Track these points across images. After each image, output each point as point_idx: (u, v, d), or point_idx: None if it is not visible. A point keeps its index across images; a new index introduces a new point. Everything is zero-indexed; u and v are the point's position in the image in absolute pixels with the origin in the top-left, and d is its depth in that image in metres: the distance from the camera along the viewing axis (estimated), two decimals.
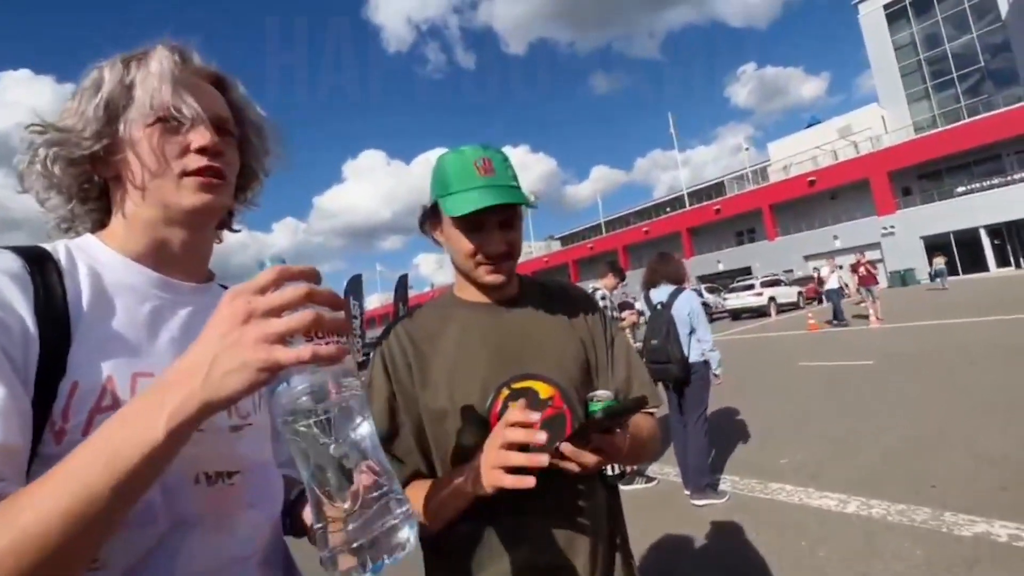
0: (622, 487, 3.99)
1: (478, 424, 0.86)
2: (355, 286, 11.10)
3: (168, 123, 0.63)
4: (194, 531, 0.59)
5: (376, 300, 68.99)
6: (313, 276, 0.48)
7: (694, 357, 3.60)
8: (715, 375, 3.68)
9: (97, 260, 0.63)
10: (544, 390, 0.91)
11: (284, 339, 0.43)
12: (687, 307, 3.64)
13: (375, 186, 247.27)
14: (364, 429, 0.49)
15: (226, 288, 0.75)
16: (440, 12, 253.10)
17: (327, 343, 0.45)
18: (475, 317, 0.96)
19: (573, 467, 0.75)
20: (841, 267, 13.65)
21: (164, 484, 0.56)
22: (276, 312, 0.44)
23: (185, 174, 0.64)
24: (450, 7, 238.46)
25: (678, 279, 3.86)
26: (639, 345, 5.30)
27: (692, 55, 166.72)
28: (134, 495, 0.44)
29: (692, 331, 3.62)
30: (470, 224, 0.88)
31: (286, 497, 0.74)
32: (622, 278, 4.53)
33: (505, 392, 0.89)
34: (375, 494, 0.47)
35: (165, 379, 0.45)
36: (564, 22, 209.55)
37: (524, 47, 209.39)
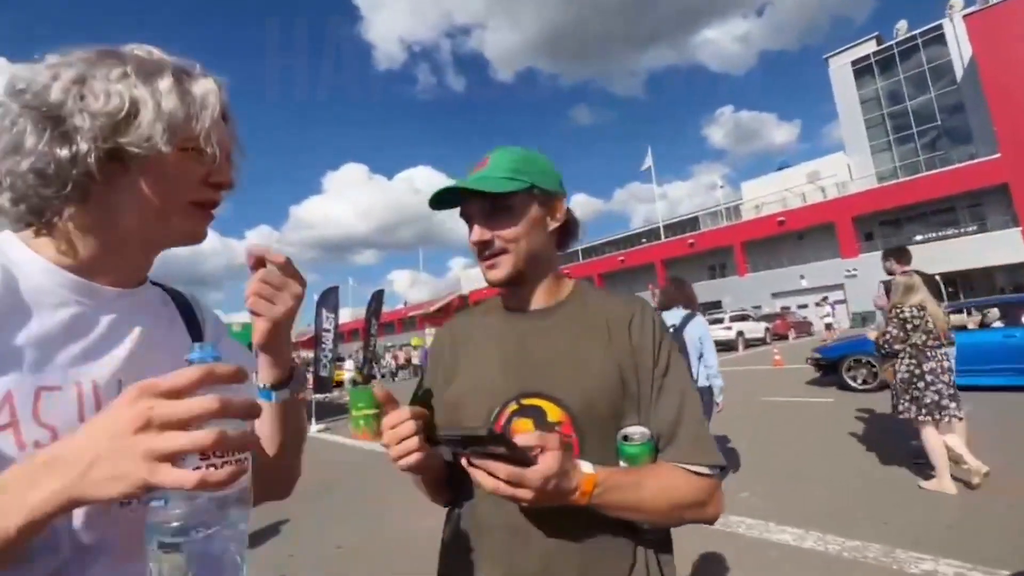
0: None
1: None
2: (329, 298, 10.83)
3: (197, 151, 0.62)
4: (100, 559, 0.55)
5: (347, 315, 67.64)
6: (241, 377, 0.45)
7: (700, 383, 3.65)
8: (716, 403, 3.73)
9: (10, 260, 0.58)
10: (553, 412, 0.82)
11: (175, 457, 0.41)
12: (698, 331, 3.74)
13: (354, 199, 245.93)
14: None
15: (160, 288, 0.75)
16: (433, 35, 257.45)
17: (225, 462, 0.43)
18: (502, 323, 0.93)
19: (482, 483, 0.69)
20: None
21: None
22: (178, 425, 0.41)
23: (196, 204, 0.64)
24: (442, 32, 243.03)
25: (692, 304, 3.97)
26: None
27: (672, 95, 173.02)
28: None
29: (700, 356, 3.70)
30: (465, 218, 0.90)
31: None
32: None
33: (513, 407, 0.83)
34: None
35: (45, 457, 0.42)
36: (551, 55, 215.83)
37: (512, 75, 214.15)
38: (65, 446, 0.43)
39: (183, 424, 0.41)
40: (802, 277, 30.54)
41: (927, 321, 3.70)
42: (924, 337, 3.69)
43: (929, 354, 3.67)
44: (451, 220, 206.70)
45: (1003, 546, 2.74)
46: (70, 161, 0.55)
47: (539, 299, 0.92)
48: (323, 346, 10.32)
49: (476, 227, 0.87)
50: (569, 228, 0.95)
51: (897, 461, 4.34)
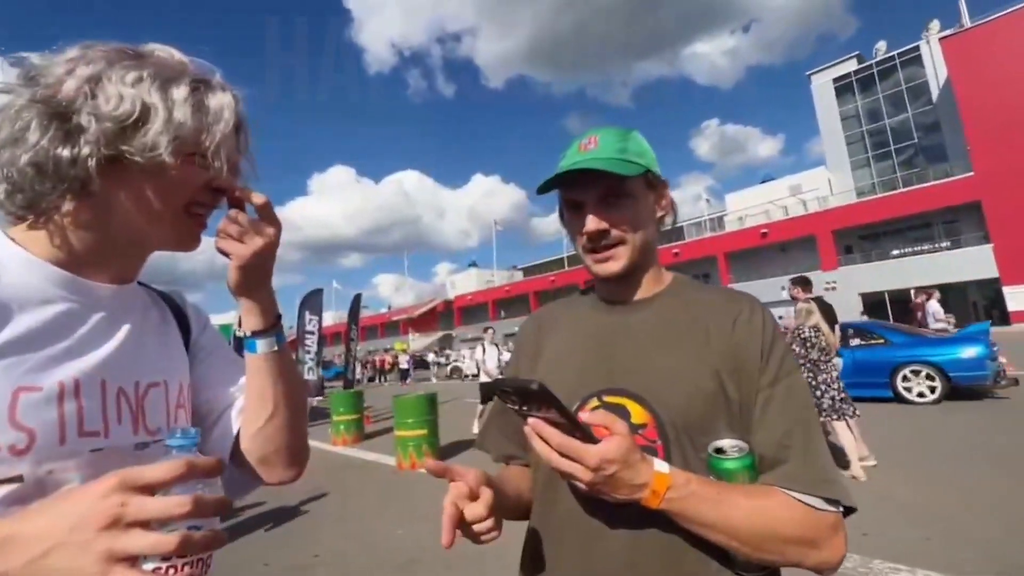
0: None
1: None
2: (313, 300, 10.71)
3: (203, 159, 0.61)
4: None
5: (330, 317, 66.89)
6: (218, 470, 0.45)
7: None
8: None
9: None
10: (638, 414, 0.74)
11: (136, 559, 0.40)
12: None
13: (341, 202, 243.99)
14: None
15: (147, 288, 0.72)
16: (424, 41, 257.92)
17: (185, 563, 0.42)
18: (590, 315, 0.87)
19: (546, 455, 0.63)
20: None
21: None
22: (145, 526, 0.41)
23: (191, 211, 0.62)
24: (434, 38, 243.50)
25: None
26: None
27: (660, 107, 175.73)
28: None
29: None
30: (571, 205, 0.83)
31: None
32: None
33: (594, 403, 0.77)
34: None
35: (2, 534, 0.41)
36: (543, 64, 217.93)
37: (503, 83, 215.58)
38: (24, 527, 0.42)
39: (151, 524, 0.41)
40: (783, 288, 30.93)
41: (821, 340, 4.58)
42: (819, 354, 4.57)
43: (822, 367, 4.56)
44: (438, 223, 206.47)
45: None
46: (70, 162, 0.54)
47: (639, 291, 0.85)
48: (306, 348, 10.20)
49: (591, 216, 0.79)
50: (672, 212, 0.89)
51: (875, 475, 4.41)
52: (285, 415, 0.71)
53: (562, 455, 0.63)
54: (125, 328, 0.63)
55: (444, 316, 55.80)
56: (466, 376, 23.98)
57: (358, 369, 26.72)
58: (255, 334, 0.69)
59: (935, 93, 32.09)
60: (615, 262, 0.80)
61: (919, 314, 11.06)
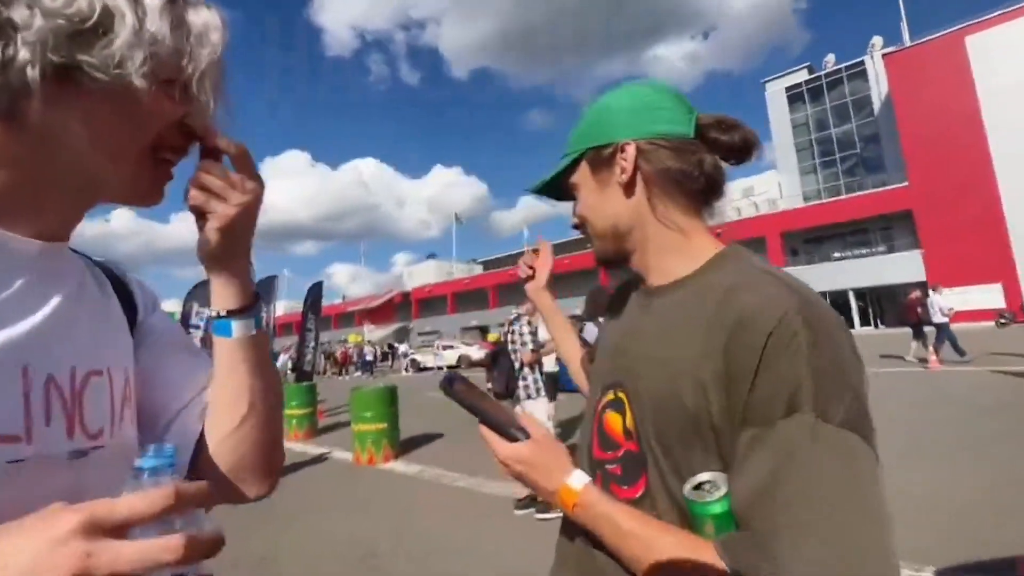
0: (539, 516, 3.95)
1: (588, 418, 0.81)
2: (264, 288, 10.17)
3: (184, 91, 0.48)
4: None
5: (281, 307, 64.55)
6: (209, 497, 0.35)
7: None
8: None
9: None
10: (630, 417, 0.70)
11: None
12: None
13: (295, 187, 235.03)
14: None
15: (79, 256, 0.57)
16: (387, 26, 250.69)
17: None
18: (633, 298, 0.84)
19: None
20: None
21: None
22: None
23: (159, 156, 0.51)
24: (397, 24, 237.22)
25: None
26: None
27: None
28: None
29: None
30: None
31: None
32: None
33: (609, 395, 0.75)
34: None
35: None
36: (508, 56, 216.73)
37: (467, 73, 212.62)
38: None
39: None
40: None
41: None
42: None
43: None
44: (397, 213, 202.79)
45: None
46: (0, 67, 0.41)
47: (657, 274, 0.75)
48: None
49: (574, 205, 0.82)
50: (672, 172, 0.70)
51: None
52: (262, 413, 0.60)
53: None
54: (56, 299, 0.49)
55: (401, 308, 54.83)
56: (434, 368, 23.76)
57: (321, 361, 25.83)
58: (231, 313, 0.57)
59: (877, 106, 34.04)
60: (594, 251, 0.80)
61: (919, 308, 10.98)
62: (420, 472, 5.64)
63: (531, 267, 1.15)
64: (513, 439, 0.68)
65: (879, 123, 33.73)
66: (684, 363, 0.62)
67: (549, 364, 5.06)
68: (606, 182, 0.73)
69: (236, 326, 0.57)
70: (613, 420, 0.72)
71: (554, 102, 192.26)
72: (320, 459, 6.68)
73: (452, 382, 0.70)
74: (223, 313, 0.57)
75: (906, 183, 27.84)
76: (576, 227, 0.81)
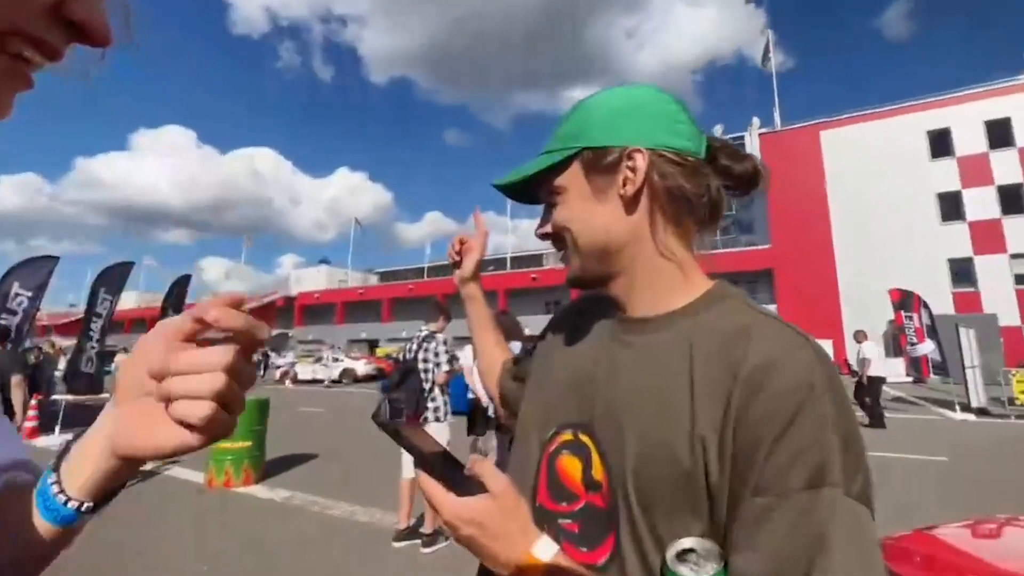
0: (423, 549, 3.56)
1: (524, 457, 0.69)
2: (113, 275, 8.58)
3: None
4: None
5: (135, 299, 56.27)
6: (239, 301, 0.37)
7: None
8: None
9: None
10: (597, 466, 0.60)
11: None
12: None
13: (171, 167, 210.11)
14: None
15: None
16: (305, 15, 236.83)
17: None
18: (606, 323, 0.70)
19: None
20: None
21: None
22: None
23: (11, 50, 0.30)
24: (316, 16, 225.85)
25: (522, 338, 3.91)
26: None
27: (535, 136, 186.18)
28: None
29: None
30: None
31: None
32: (448, 321, 4.26)
33: (566, 436, 0.65)
34: None
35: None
36: (429, 71, 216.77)
37: (386, 79, 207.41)
38: None
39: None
40: None
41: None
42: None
43: None
44: (291, 211, 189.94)
45: None
46: None
47: (641, 303, 0.65)
48: (90, 334, 8.06)
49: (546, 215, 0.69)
50: (682, 192, 0.61)
51: None
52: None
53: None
54: None
55: (283, 313, 50.65)
56: (323, 381, 21.78)
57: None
58: (94, 506, 0.41)
59: None
60: (567, 268, 0.69)
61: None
62: (288, 498, 4.94)
63: (458, 253, 1.01)
64: (465, 492, 0.53)
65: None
66: (678, 410, 0.54)
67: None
68: (602, 191, 0.63)
69: (85, 519, 0.41)
70: (570, 466, 0.63)
71: (472, 123, 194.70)
72: (165, 481, 5.62)
73: (392, 413, 0.54)
74: (75, 502, 0.39)
75: (768, 245, 31.99)
76: (546, 237, 0.70)
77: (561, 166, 0.65)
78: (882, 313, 19.92)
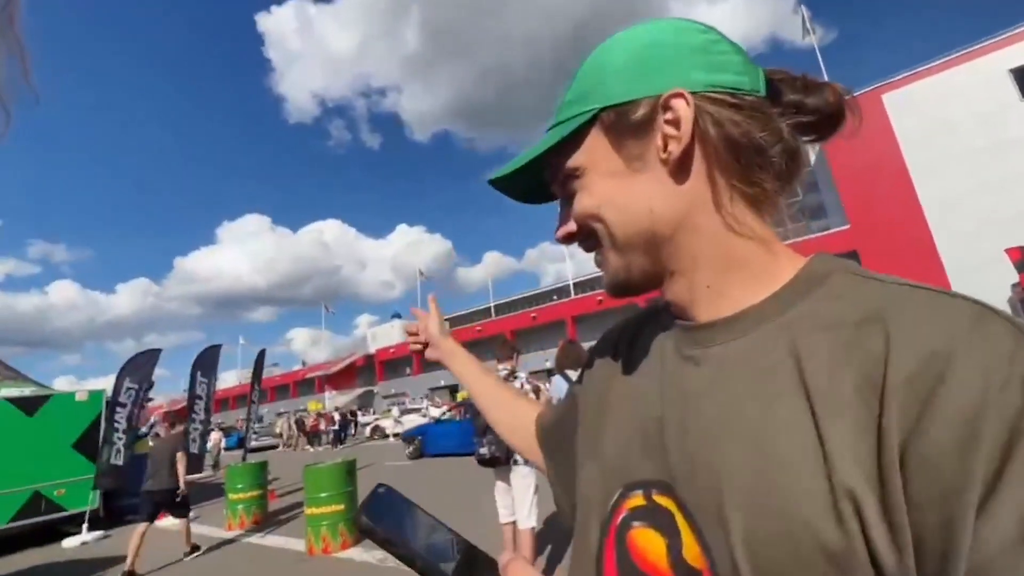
0: None
1: (583, 540, 0.52)
2: (206, 359, 9.28)
3: None
4: None
5: (235, 377, 61.09)
6: None
7: None
8: None
9: None
10: (689, 538, 0.41)
11: None
12: None
13: (253, 252, 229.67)
14: None
15: None
16: (347, 94, 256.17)
17: None
18: (660, 343, 0.53)
19: None
20: None
21: None
22: None
23: None
24: (358, 92, 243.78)
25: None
26: None
27: None
28: None
29: None
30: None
31: None
32: (519, 357, 4.16)
33: (636, 499, 0.47)
34: None
35: None
36: (465, 122, 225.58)
37: (428, 136, 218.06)
38: None
39: None
40: None
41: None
42: None
43: None
44: (359, 274, 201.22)
45: None
46: None
47: (710, 300, 0.47)
48: (194, 416, 8.67)
49: (564, 210, 0.53)
50: (750, 140, 0.44)
51: None
52: None
53: None
54: None
55: (364, 371, 52.77)
56: (391, 435, 22.30)
57: (284, 430, 23.72)
58: None
59: (812, 157, 36.79)
60: (604, 271, 0.52)
61: None
62: (383, 559, 4.90)
63: (415, 336, 1.01)
64: None
65: (815, 173, 36.30)
66: (799, 453, 0.36)
67: None
68: (637, 160, 0.46)
69: None
70: (648, 543, 0.44)
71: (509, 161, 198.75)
72: (265, 552, 5.78)
73: (383, 507, 0.47)
74: None
75: (847, 226, 29.57)
76: (570, 238, 0.52)
77: (574, 140, 0.48)
78: (1000, 278, 17.49)
